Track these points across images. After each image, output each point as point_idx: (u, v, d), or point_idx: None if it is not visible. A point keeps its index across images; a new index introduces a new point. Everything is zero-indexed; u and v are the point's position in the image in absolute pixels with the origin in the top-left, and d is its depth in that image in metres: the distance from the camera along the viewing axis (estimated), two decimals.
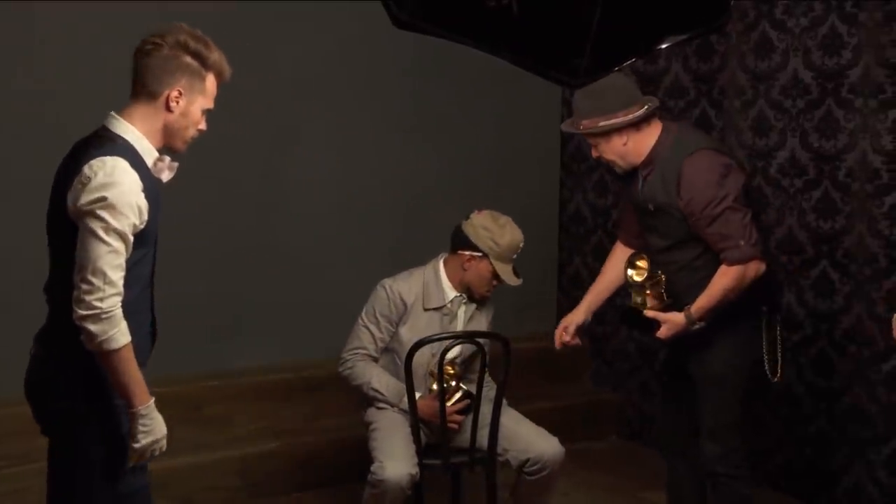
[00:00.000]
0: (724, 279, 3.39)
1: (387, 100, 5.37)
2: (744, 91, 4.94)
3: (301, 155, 5.17)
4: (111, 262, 2.63)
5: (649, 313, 3.52)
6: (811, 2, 4.58)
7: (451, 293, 3.94)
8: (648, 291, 3.52)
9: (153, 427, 2.75)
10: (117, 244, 2.63)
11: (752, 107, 4.89)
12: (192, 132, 2.86)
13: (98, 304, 2.60)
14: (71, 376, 2.70)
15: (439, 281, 3.95)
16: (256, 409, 4.86)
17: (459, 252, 3.91)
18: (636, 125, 3.46)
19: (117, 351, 2.63)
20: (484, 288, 3.93)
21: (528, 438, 3.84)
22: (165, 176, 2.83)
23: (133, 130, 2.74)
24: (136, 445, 2.69)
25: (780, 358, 3.55)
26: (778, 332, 3.55)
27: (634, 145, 3.51)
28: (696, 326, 3.44)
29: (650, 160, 3.50)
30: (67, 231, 2.67)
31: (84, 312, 2.59)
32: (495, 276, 3.89)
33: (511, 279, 3.90)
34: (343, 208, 5.27)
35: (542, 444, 3.82)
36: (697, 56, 5.16)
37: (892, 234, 4.29)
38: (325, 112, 5.17)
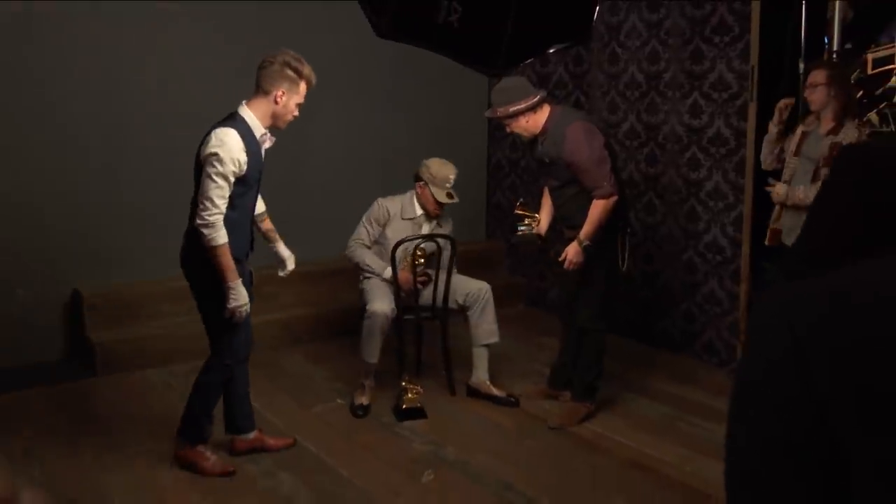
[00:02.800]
0: (596, 210, 3.70)
1: (374, 87, 5.66)
2: (602, 85, 5.35)
3: (318, 124, 5.46)
4: (217, 194, 3.02)
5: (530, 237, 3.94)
6: (641, 31, 5.03)
7: (419, 211, 4.21)
8: (527, 220, 3.98)
9: (238, 296, 3.14)
10: (222, 182, 3.02)
11: (607, 95, 5.32)
12: (289, 118, 3.21)
13: (207, 217, 3.01)
14: (200, 258, 3.11)
15: (413, 202, 4.23)
16: (295, 288, 5.14)
17: (416, 183, 4.20)
18: (533, 109, 3.74)
19: (217, 247, 3.04)
20: (430, 206, 4.15)
21: (467, 284, 4.24)
22: (266, 145, 3.24)
23: (250, 114, 3.14)
24: (228, 306, 3.13)
25: (626, 256, 3.83)
26: (627, 239, 3.85)
27: (533, 122, 3.76)
28: (586, 244, 3.74)
29: (544, 130, 3.77)
30: (199, 172, 3.10)
31: (199, 222, 3.03)
32: (434, 197, 4.11)
33: (442, 198, 4.11)
34: (346, 158, 5.60)
35: (476, 284, 4.24)
36: (573, 63, 5.56)
37: (690, 175, 4.85)
38: (333, 95, 5.41)
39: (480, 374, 4.28)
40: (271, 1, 5.13)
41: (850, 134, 3.55)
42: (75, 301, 4.86)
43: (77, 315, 4.83)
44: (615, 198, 3.72)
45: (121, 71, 4.80)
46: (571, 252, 3.77)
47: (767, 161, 3.90)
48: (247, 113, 3.15)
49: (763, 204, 4.11)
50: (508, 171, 6.25)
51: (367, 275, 4.20)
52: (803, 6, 4.14)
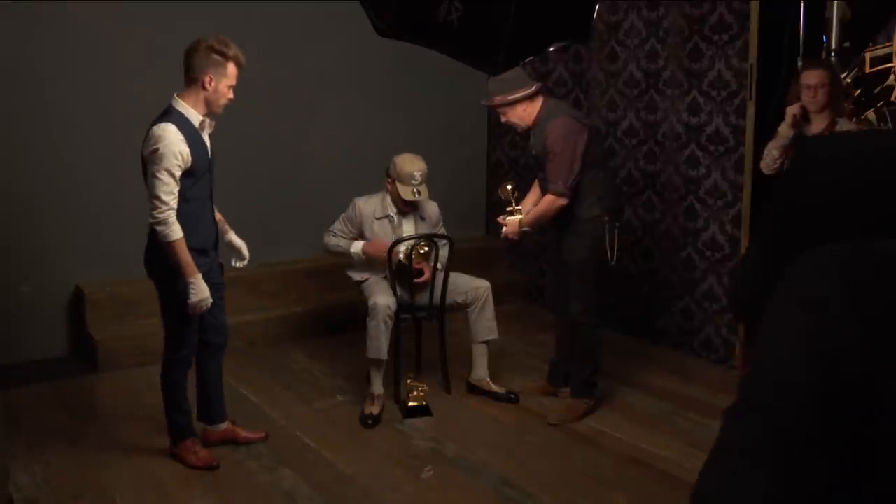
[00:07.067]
0: (545, 203, 3.83)
1: (373, 85, 5.71)
2: (601, 83, 5.38)
3: (319, 121, 5.56)
4: (164, 190, 3.04)
5: (499, 219, 3.97)
6: (640, 30, 5.07)
7: (392, 209, 4.18)
8: (509, 207, 3.99)
9: (198, 291, 3.14)
10: (167, 178, 3.04)
11: (606, 93, 5.35)
12: (223, 101, 3.20)
13: (158, 215, 3.05)
14: (159, 255, 3.16)
15: (386, 200, 4.20)
16: (292, 284, 5.32)
17: (386, 180, 4.19)
18: (530, 98, 3.82)
19: (173, 242, 3.08)
20: (399, 203, 4.13)
21: (468, 283, 4.25)
22: (207, 131, 3.23)
23: (184, 105, 3.16)
24: (189, 301, 3.16)
25: (615, 249, 3.85)
26: (616, 234, 3.87)
27: (528, 112, 3.84)
28: (525, 229, 3.88)
29: (536, 122, 3.84)
30: (146, 172, 3.13)
31: (151, 220, 3.09)
32: (399, 194, 4.08)
33: (408, 196, 4.07)
34: (346, 157, 5.60)
35: (475, 282, 4.25)
36: (573, 61, 5.61)
37: (689, 173, 4.86)
38: (334, 93, 5.58)
39: (480, 371, 4.32)
40: (271, 1, 5.19)
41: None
42: (77, 298, 4.91)
43: (79, 312, 4.89)
44: (564, 201, 3.79)
45: (121, 70, 4.84)
46: (510, 228, 3.90)
47: (775, 165, 3.84)
48: (180, 104, 3.19)
49: (761, 202, 4.06)
50: (508, 168, 6.30)
51: (358, 268, 4.25)
52: (802, 5, 4.17)
